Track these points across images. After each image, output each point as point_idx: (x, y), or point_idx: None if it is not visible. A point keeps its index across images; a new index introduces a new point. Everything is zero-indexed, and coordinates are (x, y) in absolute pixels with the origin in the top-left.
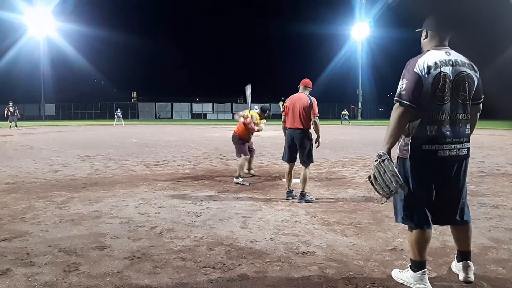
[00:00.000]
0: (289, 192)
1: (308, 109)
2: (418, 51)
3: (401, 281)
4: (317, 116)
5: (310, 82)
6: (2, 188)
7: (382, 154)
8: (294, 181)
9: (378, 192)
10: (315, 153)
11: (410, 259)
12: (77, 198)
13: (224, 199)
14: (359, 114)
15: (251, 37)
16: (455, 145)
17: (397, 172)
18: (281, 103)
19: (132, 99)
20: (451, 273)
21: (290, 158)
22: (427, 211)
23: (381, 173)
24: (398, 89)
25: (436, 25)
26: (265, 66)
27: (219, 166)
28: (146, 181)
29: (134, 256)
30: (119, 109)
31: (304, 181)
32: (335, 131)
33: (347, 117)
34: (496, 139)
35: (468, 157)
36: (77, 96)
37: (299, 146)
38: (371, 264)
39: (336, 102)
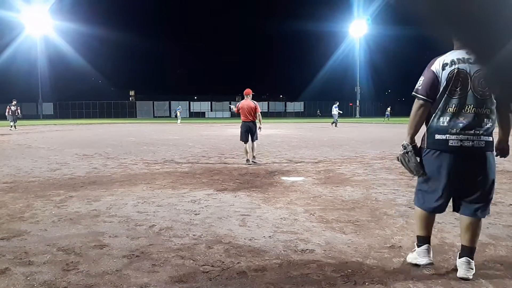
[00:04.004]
0: (248, 160)
1: (254, 109)
2: (415, 49)
3: (410, 260)
4: (259, 112)
5: (251, 91)
6: (0, 187)
7: (406, 145)
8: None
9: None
10: (313, 151)
11: (416, 235)
12: (76, 197)
13: (222, 198)
14: (357, 112)
15: (249, 35)
16: (468, 137)
17: (419, 163)
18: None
19: (130, 98)
20: (450, 270)
21: (246, 139)
22: (438, 198)
23: (406, 162)
24: (417, 84)
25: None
26: (263, 64)
27: (217, 165)
28: (145, 179)
29: (133, 254)
30: (180, 107)
31: (254, 149)
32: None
33: (389, 114)
34: (494, 136)
35: (487, 150)
36: (75, 95)
37: (254, 131)
38: (370, 262)
39: (334, 100)
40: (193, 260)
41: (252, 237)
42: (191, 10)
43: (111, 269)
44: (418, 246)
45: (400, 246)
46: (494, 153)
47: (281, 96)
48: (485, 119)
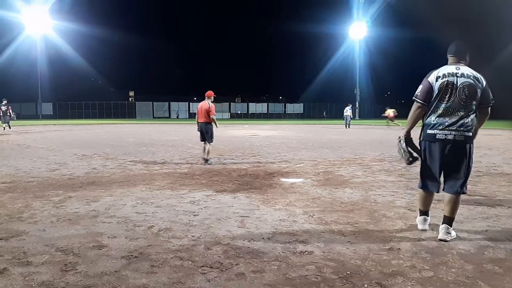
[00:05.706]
0: (206, 160)
1: (208, 110)
2: (414, 50)
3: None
4: (213, 114)
5: (212, 93)
6: None
7: (400, 136)
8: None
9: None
10: (312, 153)
11: (418, 208)
12: (74, 198)
13: (221, 199)
14: (357, 114)
15: (249, 36)
16: (451, 132)
17: (408, 150)
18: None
19: (130, 98)
20: (448, 273)
21: (202, 139)
22: (432, 180)
23: (398, 149)
24: (416, 91)
25: (448, 51)
26: (263, 66)
27: (216, 166)
28: (144, 180)
29: (131, 255)
30: None
31: (208, 152)
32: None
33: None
34: (493, 138)
35: (466, 143)
36: (75, 95)
37: (205, 132)
38: (368, 264)
39: (333, 102)
40: (192, 261)
41: (251, 238)
42: (191, 10)
43: (110, 269)
44: (419, 215)
45: (399, 248)
46: (473, 145)
47: (280, 97)
48: (465, 119)
